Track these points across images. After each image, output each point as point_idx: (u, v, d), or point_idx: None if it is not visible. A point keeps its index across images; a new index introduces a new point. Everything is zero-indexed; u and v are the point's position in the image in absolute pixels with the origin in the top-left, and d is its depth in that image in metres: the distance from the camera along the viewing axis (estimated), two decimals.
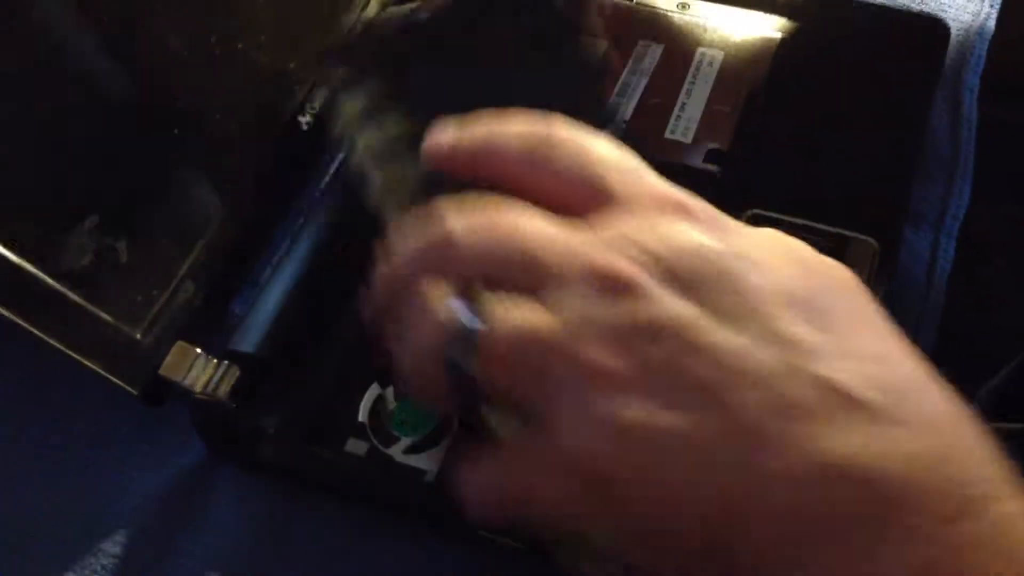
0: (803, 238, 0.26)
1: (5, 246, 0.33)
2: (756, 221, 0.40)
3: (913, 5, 0.50)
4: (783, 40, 0.46)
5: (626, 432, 0.21)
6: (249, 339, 0.36)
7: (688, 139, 0.43)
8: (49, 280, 0.33)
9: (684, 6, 0.48)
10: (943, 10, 0.50)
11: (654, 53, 0.46)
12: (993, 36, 0.50)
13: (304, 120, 0.41)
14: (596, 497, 0.22)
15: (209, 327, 0.36)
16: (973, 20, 0.50)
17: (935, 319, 0.40)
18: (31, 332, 0.33)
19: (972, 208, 0.44)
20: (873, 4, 0.46)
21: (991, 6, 0.50)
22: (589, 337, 0.22)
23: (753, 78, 0.45)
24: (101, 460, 0.37)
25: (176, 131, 0.38)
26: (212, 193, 0.38)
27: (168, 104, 0.38)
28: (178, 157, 0.38)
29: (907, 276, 0.41)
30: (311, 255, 0.39)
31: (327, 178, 0.42)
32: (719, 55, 0.46)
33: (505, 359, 0.23)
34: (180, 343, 0.35)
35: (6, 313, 0.32)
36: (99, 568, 0.34)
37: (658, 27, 0.47)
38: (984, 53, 0.48)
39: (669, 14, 0.48)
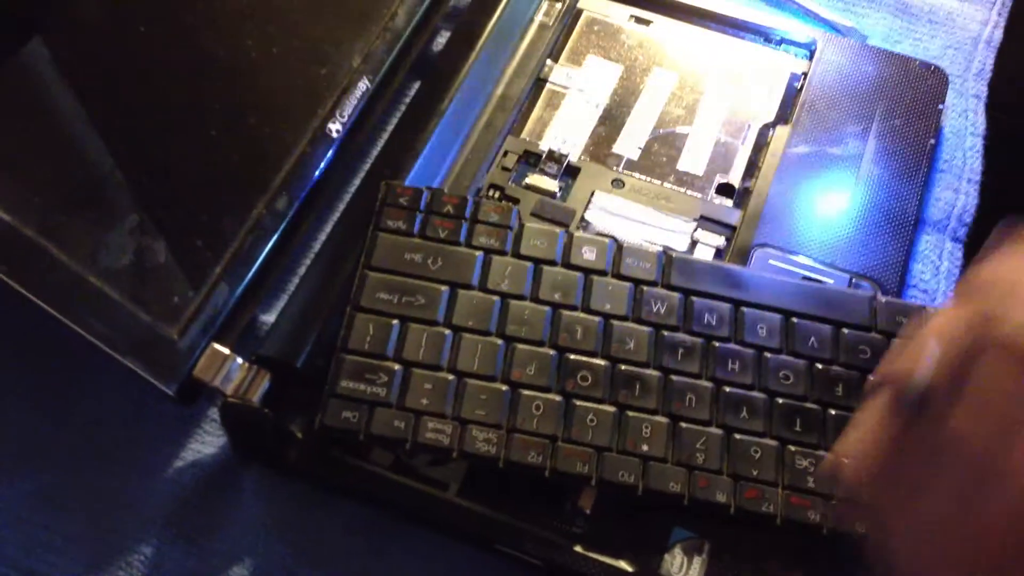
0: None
1: (48, 241, 0.34)
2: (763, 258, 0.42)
3: (923, 15, 0.52)
4: (794, 76, 0.48)
5: None
6: (280, 345, 0.37)
7: (700, 171, 0.45)
8: (90, 277, 0.34)
9: (697, 37, 0.50)
10: (951, 19, 0.53)
11: (670, 81, 0.48)
12: (1001, 45, 0.52)
13: (334, 127, 0.42)
14: None
15: (240, 330, 0.37)
16: (981, 29, 0.52)
17: None
18: (70, 328, 0.34)
19: (979, 213, 0.46)
20: (881, 49, 0.48)
21: (999, 15, 0.53)
22: None
23: (764, 112, 0.47)
24: (130, 460, 0.38)
25: (211, 135, 0.39)
26: (244, 198, 0.39)
27: (203, 109, 0.39)
28: (212, 160, 0.39)
29: (916, 279, 0.43)
30: (340, 262, 0.40)
31: (357, 184, 0.43)
32: (731, 88, 0.48)
33: None
34: (214, 345, 0.36)
35: (48, 309, 0.33)
36: (126, 565, 0.35)
37: (673, 56, 0.49)
38: (991, 62, 0.51)
39: (684, 45, 0.49)
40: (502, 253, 0.40)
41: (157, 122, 0.38)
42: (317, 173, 0.42)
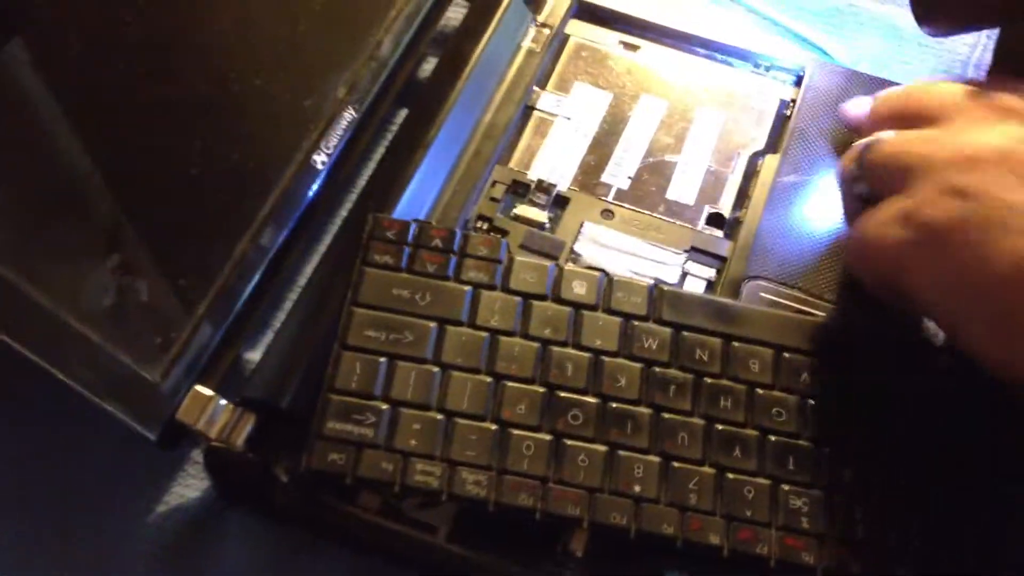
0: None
1: (25, 282, 0.33)
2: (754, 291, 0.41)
3: (911, 38, 0.52)
4: (783, 102, 0.48)
5: (965, 193, 0.31)
6: (264, 386, 0.37)
7: (691, 200, 0.45)
8: (71, 321, 0.33)
9: (686, 63, 0.49)
10: (940, 42, 0.52)
11: (659, 108, 0.48)
12: (989, 68, 0.52)
13: (319, 159, 0.42)
14: (927, 249, 0.32)
15: (224, 370, 0.37)
16: (970, 52, 0.52)
17: None
18: (48, 371, 0.33)
19: None
20: (871, 76, 0.48)
21: (988, 36, 0.53)
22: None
23: (754, 140, 0.47)
24: (112, 504, 0.37)
25: (194, 169, 0.38)
26: (228, 233, 0.39)
27: (185, 142, 0.38)
28: (195, 195, 0.38)
29: None
30: (326, 297, 0.39)
31: (343, 216, 0.42)
32: (720, 115, 0.47)
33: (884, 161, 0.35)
34: (197, 387, 0.35)
35: (27, 354, 0.33)
36: None
37: (662, 82, 0.48)
38: None
39: (673, 71, 0.49)
40: (491, 288, 0.39)
41: (138, 156, 0.37)
42: (302, 206, 0.41)
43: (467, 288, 0.39)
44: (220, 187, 0.39)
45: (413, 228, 0.40)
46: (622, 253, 0.43)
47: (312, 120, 0.42)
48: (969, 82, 0.36)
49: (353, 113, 0.44)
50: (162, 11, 0.39)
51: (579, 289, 0.39)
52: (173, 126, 0.38)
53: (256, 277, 0.39)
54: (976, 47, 0.53)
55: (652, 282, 0.39)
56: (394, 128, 0.47)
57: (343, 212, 0.44)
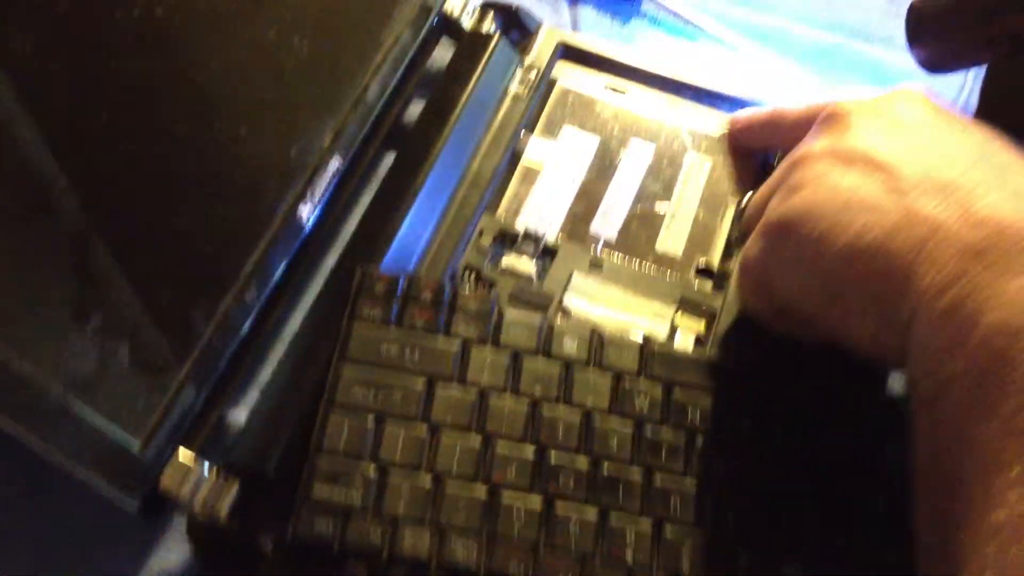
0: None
1: (6, 352, 0.32)
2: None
3: (899, 81, 0.52)
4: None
5: (798, 186, 0.34)
6: (250, 450, 0.36)
7: (679, 251, 0.44)
8: (46, 386, 0.32)
9: (673, 107, 0.49)
10: (928, 87, 0.52)
11: (646, 153, 0.47)
12: (976, 113, 0.52)
13: (305, 211, 0.41)
14: (777, 248, 0.34)
15: (208, 432, 0.36)
16: (957, 95, 0.52)
17: None
18: (25, 439, 0.32)
19: None
20: None
21: (974, 79, 0.53)
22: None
23: (741, 187, 0.46)
24: (91, 568, 0.36)
25: (175, 224, 0.37)
26: (211, 290, 0.38)
27: (166, 197, 0.37)
28: (177, 252, 0.37)
29: None
30: (313, 354, 0.38)
31: (330, 268, 0.41)
32: (708, 161, 0.47)
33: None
34: (179, 454, 0.34)
35: (7, 425, 0.32)
36: None
37: (650, 127, 0.48)
38: None
39: (660, 115, 0.48)
40: (482, 342, 0.38)
41: (118, 212, 0.36)
42: (288, 260, 0.40)
43: (457, 343, 0.38)
44: (203, 242, 0.38)
45: (402, 282, 0.39)
46: (611, 306, 0.42)
47: (297, 170, 0.42)
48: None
49: (339, 161, 0.43)
50: (142, 59, 0.38)
51: (570, 345, 0.39)
52: (153, 180, 0.37)
53: (240, 335, 0.38)
54: (963, 89, 0.53)
55: (641, 340, 0.39)
56: (381, 173, 0.46)
57: (330, 262, 0.43)
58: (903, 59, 0.53)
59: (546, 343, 0.39)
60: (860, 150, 0.33)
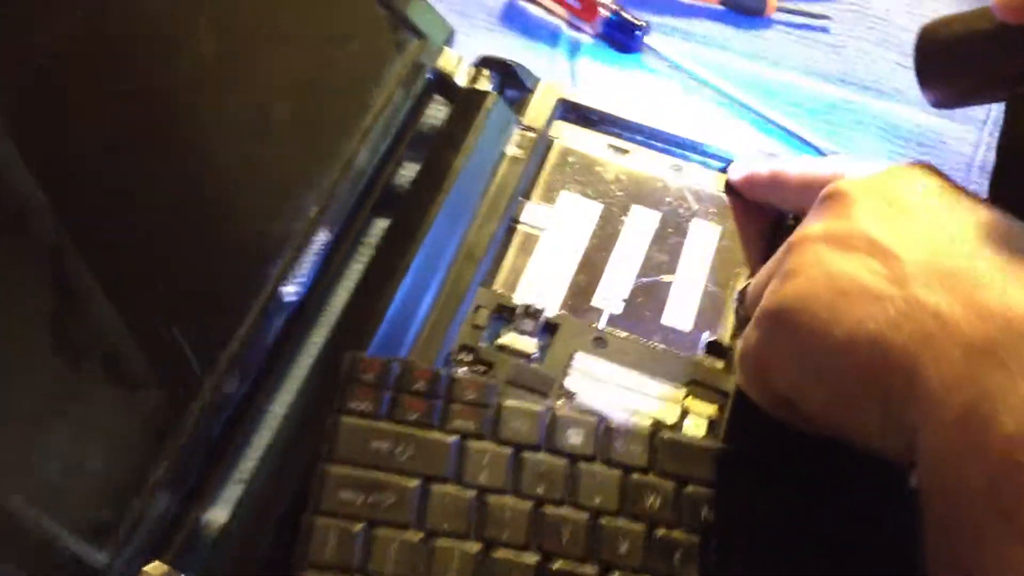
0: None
1: None
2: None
3: (912, 137, 0.50)
4: (782, 215, 0.45)
5: (794, 273, 0.32)
6: (228, 562, 0.33)
7: (688, 326, 0.42)
8: (14, 506, 0.30)
9: (678, 168, 0.47)
10: (941, 141, 0.50)
11: (651, 220, 0.45)
12: (993, 171, 0.50)
13: (289, 291, 0.38)
14: (775, 338, 0.32)
15: (183, 539, 0.33)
16: (973, 151, 0.50)
17: None
18: None
19: None
20: None
21: (990, 135, 0.51)
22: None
23: (752, 255, 0.44)
24: None
25: (147, 312, 0.35)
26: (188, 383, 0.35)
27: (139, 281, 0.35)
28: (151, 341, 0.35)
29: None
30: (297, 451, 0.36)
31: (316, 351, 0.39)
32: (715, 227, 0.45)
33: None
34: (151, 568, 0.32)
35: None
36: None
37: (653, 191, 0.46)
38: (986, 188, 0.48)
39: (665, 177, 0.46)
40: (480, 437, 0.36)
41: (88, 297, 0.33)
42: (269, 346, 0.37)
43: (453, 438, 0.36)
44: (178, 328, 0.35)
45: (395, 369, 0.37)
46: (617, 387, 0.40)
47: (280, 246, 0.39)
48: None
49: (326, 234, 0.41)
50: (119, 125, 0.35)
51: (575, 438, 0.36)
52: (125, 259, 0.35)
53: (219, 429, 0.35)
54: (978, 146, 0.51)
55: (651, 427, 0.36)
56: (371, 240, 0.44)
57: (317, 342, 0.40)
58: (915, 113, 0.52)
59: (549, 436, 0.36)
60: (858, 233, 0.31)
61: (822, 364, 0.30)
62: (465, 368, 0.40)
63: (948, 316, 0.27)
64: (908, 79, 0.52)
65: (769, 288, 0.33)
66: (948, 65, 0.35)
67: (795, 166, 0.40)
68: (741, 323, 0.40)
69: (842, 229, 0.31)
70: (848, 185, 0.33)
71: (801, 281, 0.31)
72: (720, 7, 0.55)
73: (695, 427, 0.39)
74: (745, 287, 0.40)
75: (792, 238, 0.33)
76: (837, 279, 0.30)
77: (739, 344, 0.36)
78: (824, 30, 0.55)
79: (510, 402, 0.37)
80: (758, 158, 0.45)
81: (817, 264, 0.31)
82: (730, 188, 0.45)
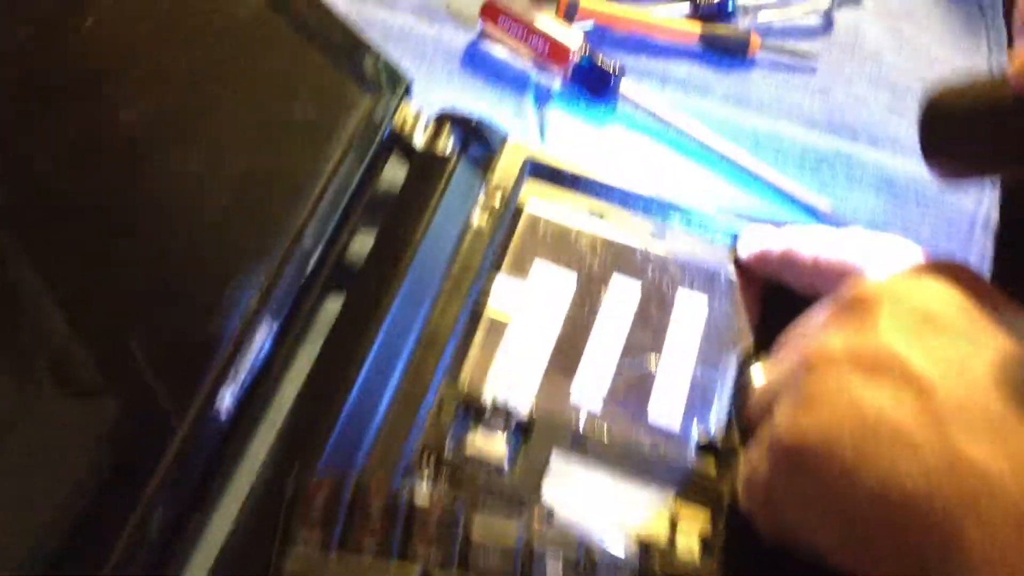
0: None
1: None
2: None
3: (909, 195, 0.46)
4: (767, 283, 0.41)
5: (816, 402, 0.28)
6: None
7: (676, 423, 0.38)
8: None
9: (659, 234, 0.42)
10: (940, 199, 0.47)
11: (632, 292, 0.41)
12: (999, 229, 0.47)
13: (223, 405, 0.34)
14: (793, 478, 0.29)
15: None
16: (976, 208, 0.47)
17: None
18: None
19: None
20: None
21: (993, 190, 0.47)
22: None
23: (741, 332, 0.40)
24: None
25: (71, 436, 0.30)
26: (108, 518, 0.30)
27: (58, 400, 0.30)
28: (69, 473, 0.30)
29: None
30: None
31: (257, 471, 0.34)
32: (701, 298, 0.41)
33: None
34: None
35: None
36: None
37: (633, 258, 0.41)
38: (991, 248, 0.45)
39: (645, 242, 0.42)
40: (446, 568, 0.31)
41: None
42: (201, 467, 0.33)
43: (416, 572, 0.31)
44: (100, 456, 0.30)
45: (348, 490, 0.32)
46: (599, 499, 0.36)
47: (214, 347, 0.34)
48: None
49: (269, 327, 0.36)
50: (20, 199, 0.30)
51: (554, 572, 0.32)
52: (43, 381, 0.30)
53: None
54: (981, 203, 0.47)
55: (638, 556, 0.32)
56: (318, 328, 0.39)
57: (258, 456, 0.35)
58: (911, 165, 0.48)
59: (525, 567, 0.32)
60: (885, 355, 0.28)
61: (849, 514, 0.27)
62: (428, 481, 0.35)
63: (994, 475, 0.24)
64: (902, 126, 0.49)
65: (784, 410, 0.29)
66: (958, 140, 0.31)
67: (808, 246, 0.37)
68: (743, 432, 0.36)
69: (868, 348, 0.28)
70: (872, 291, 0.29)
71: (824, 415, 0.28)
72: (699, 48, 0.51)
73: (687, 544, 0.35)
74: (743, 376, 0.36)
75: (810, 354, 0.30)
76: (864, 413, 0.27)
77: (743, 468, 0.32)
78: (811, 70, 0.51)
79: (478, 529, 0.32)
80: (767, 232, 0.41)
81: (841, 392, 0.28)
82: (737, 262, 0.42)
